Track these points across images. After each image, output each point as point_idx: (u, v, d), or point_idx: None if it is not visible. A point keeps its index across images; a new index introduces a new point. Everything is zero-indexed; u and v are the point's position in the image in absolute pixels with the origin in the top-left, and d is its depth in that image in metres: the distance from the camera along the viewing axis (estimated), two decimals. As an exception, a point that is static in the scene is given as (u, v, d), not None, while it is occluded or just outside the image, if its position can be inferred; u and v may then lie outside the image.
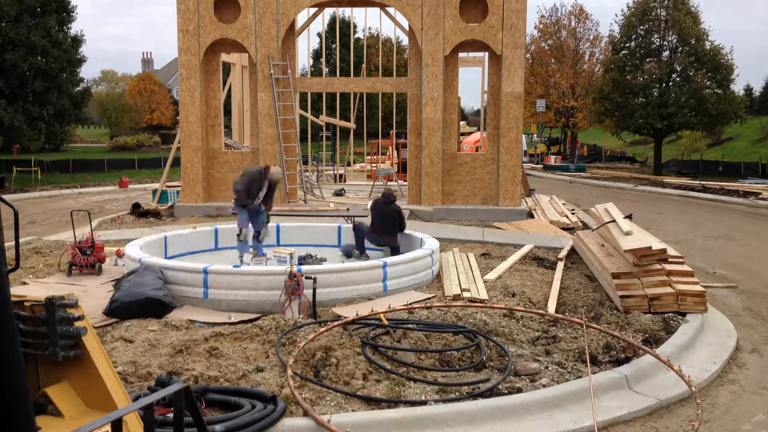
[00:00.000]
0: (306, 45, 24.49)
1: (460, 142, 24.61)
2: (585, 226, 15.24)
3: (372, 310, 6.94)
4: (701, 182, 29.29)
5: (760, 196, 23.74)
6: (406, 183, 18.51)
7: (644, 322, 7.42)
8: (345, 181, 24.35)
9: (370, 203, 11.79)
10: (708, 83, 34.25)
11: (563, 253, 11.16)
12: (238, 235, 10.17)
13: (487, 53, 17.77)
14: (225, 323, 7.17)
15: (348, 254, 10.80)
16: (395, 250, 10.34)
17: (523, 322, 7.30)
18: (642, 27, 35.89)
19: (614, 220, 10.11)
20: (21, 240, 11.87)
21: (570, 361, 6.30)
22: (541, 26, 51.69)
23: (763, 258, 13.03)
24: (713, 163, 36.94)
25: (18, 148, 36.61)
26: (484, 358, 6.13)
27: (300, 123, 19.86)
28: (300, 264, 9.02)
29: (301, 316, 7.31)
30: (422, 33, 16.58)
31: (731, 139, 46.59)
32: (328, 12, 32.96)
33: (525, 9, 16.42)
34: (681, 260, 8.65)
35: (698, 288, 8.10)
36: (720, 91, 34.11)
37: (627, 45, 36.97)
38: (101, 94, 60.70)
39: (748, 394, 6.11)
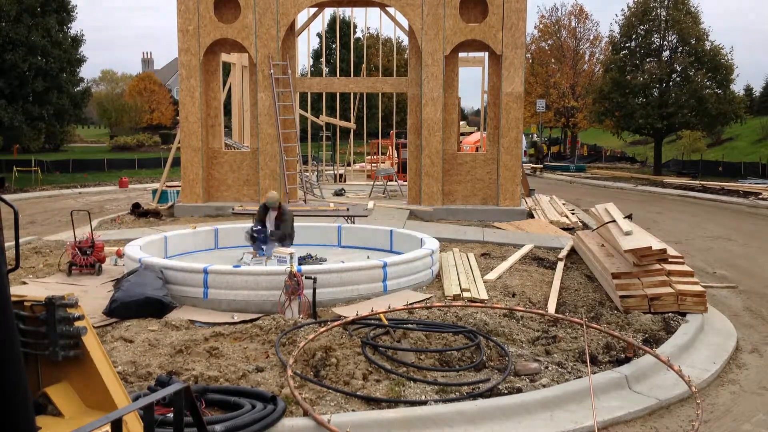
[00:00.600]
0: (306, 45, 24.52)
1: (460, 142, 24.60)
2: (585, 226, 15.24)
3: (372, 310, 6.94)
4: (701, 182, 29.28)
5: (760, 196, 23.73)
6: (406, 183, 18.51)
7: (644, 322, 7.42)
8: (345, 181, 24.35)
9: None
10: (708, 83, 34.24)
11: (563, 253, 11.16)
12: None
13: (487, 53, 17.77)
14: (225, 323, 7.17)
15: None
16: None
17: (523, 322, 7.29)
18: (642, 27, 35.88)
19: (614, 220, 10.11)
20: (21, 240, 11.87)
21: (570, 361, 6.30)
22: (541, 26, 51.71)
23: (763, 258, 13.02)
24: (713, 163, 36.92)
25: (18, 148, 36.63)
26: (484, 358, 6.13)
27: (300, 123, 19.86)
28: (300, 264, 9.02)
29: (301, 316, 7.31)
30: (422, 33, 16.58)
31: (731, 139, 46.58)
32: (328, 12, 33.01)
33: (525, 9, 16.42)
34: (681, 260, 8.65)
35: (698, 288, 8.09)
36: (720, 91, 34.10)
37: (627, 45, 36.96)
38: (101, 94, 60.68)
39: (748, 394, 6.11)
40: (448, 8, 16.49)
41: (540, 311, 7.54)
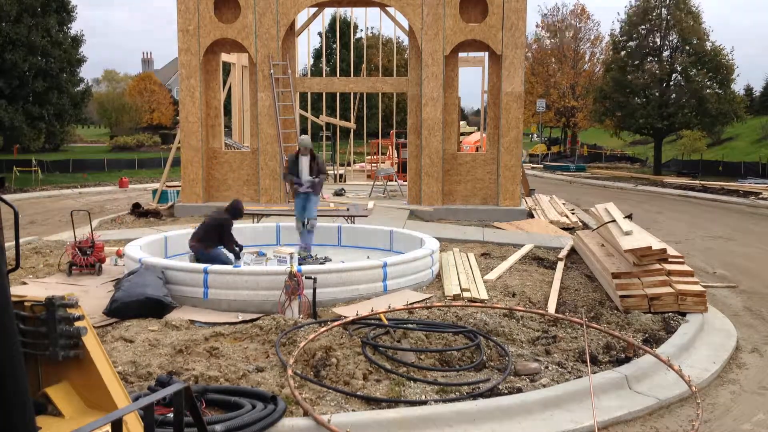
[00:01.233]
0: (306, 45, 24.50)
1: (460, 142, 24.61)
2: (585, 226, 15.24)
3: (372, 310, 6.94)
4: (701, 182, 29.28)
5: (760, 196, 23.74)
6: (406, 183, 18.51)
7: (644, 322, 7.42)
8: (345, 181, 24.34)
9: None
10: (708, 83, 34.24)
11: (563, 253, 11.16)
12: (299, 228, 10.74)
13: (487, 53, 17.77)
14: (226, 323, 7.17)
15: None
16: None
17: (523, 322, 7.29)
18: (643, 27, 35.88)
19: (614, 220, 10.11)
20: (21, 240, 11.87)
21: (570, 361, 6.30)
22: (542, 26, 51.72)
23: (763, 258, 13.02)
24: (713, 163, 36.91)
25: (18, 148, 36.59)
26: (484, 358, 6.13)
27: (300, 123, 19.85)
28: (300, 264, 9.01)
29: (301, 316, 7.31)
30: (422, 33, 16.58)
31: (731, 139, 46.56)
32: (329, 12, 32.97)
33: (525, 9, 16.42)
34: (681, 260, 8.65)
35: (698, 288, 8.09)
36: (720, 91, 34.11)
37: (628, 45, 36.96)
38: (101, 94, 60.67)
39: (748, 394, 6.11)
40: (448, 8, 16.49)
41: (540, 311, 7.54)
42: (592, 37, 50.50)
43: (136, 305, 7.24)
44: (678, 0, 34.81)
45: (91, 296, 8.15)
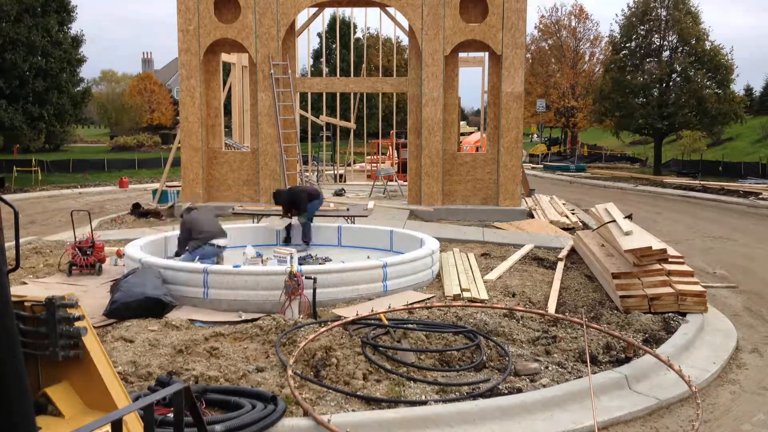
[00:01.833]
0: (306, 45, 24.49)
1: (460, 142, 24.61)
2: (585, 226, 15.24)
3: (372, 310, 6.94)
4: (701, 182, 29.28)
5: (761, 196, 23.74)
6: (406, 183, 18.51)
7: (644, 322, 7.42)
8: (345, 181, 24.34)
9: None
10: (708, 83, 34.25)
11: (563, 253, 11.16)
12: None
13: (487, 53, 17.78)
14: (226, 323, 7.17)
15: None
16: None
17: (523, 322, 7.29)
18: (642, 27, 35.90)
19: (614, 220, 10.11)
20: (21, 240, 11.87)
21: (570, 361, 6.30)
22: (541, 26, 51.74)
23: (763, 258, 13.02)
24: (713, 163, 36.92)
25: (18, 148, 36.60)
26: (484, 358, 6.13)
27: (300, 123, 19.86)
28: (300, 264, 9.02)
29: (301, 316, 7.31)
30: (422, 33, 16.58)
31: (731, 139, 46.58)
32: (328, 12, 33.00)
33: (525, 9, 16.42)
34: (681, 260, 8.65)
35: (698, 288, 8.09)
36: (720, 91, 34.12)
37: (627, 45, 36.98)
38: (101, 94, 60.68)
39: (748, 394, 6.11)
40: (448, 8, 16.49)
41: (540, 311, 7.54)
42: (592, 37, 50.55)
43: (136, 305, 7.24)
44: (677, 0, 34.82)
45: (91, 296, 8.15)
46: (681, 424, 5.37)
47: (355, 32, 35.58)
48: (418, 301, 7.99)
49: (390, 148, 28.09)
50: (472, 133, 35.05)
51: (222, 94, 18.29)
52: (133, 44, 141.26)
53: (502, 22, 16.41)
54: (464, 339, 6.51)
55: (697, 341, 7.24)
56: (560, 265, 10.26)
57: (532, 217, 16.46)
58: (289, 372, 5.40)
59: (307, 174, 21.28)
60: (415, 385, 5.55)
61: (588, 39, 50.64)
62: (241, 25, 16.85)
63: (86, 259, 9.40)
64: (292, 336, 6.36)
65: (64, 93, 29.40)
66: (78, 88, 31.54)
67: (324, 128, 26.49)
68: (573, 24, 50.73)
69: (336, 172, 25.21)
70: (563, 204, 19.22)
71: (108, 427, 2.03)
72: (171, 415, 4.26)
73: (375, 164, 26.28)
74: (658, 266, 8.27)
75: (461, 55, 19.09)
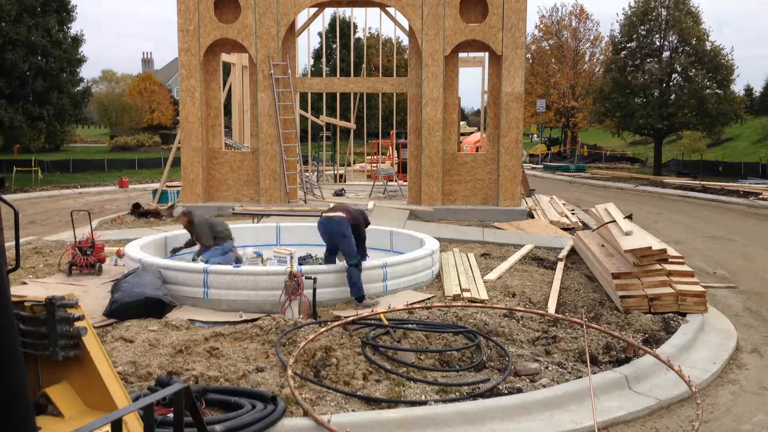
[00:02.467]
0: (306, 45, 24.51)
1: (461, 142, 24.61)
2: (585, 227, 15.24)
3: (372, 310, 6.94)
4: (701, 182, 29.28)
5: (761, 197, 23.73)
6: (406, 183, 18.51)
7: (644, 323, 7.42)
8: (345, 181, 24.35)
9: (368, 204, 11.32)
10: (708, 83, 34.25)
11: (563, 254, 11.16)
12: None
13: (487, 53, 17.77)
14: (226, 323, 7.17)
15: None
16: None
17: (523, 322, 7.29)
18: (643, 27, 35.90)
19: (614, 221, 10.11)
20: (21, 240, 11.87)
21: (570, 361, 6.30)
22: (541, 26, 51.74)
23: (763, 258, 13.02)
24: (713, 163, 36.93)
25: (18, 148, 36.63)
26: (484, 358, 6.13)
27: (300, 123, 19.86)
28: (300, 264, 9.02)
29: (301, 316, 7.31)
30: (422, 33, 16.58)
31: (731, 140, 46.59)
32: (329, 12, 32.98)
33: (525, 9, 16.42)
34: (681, 260, 8.65)
35: (698, 288, 8.09)
36: (720, 92, 34.11)
37: (628, 45, 36.98)
38: (101, 94, 60.69)
39: (748, 394, 6.11)
40: (449, 8, 16.49)
41: (540, 311, 7.54)
42: (592, 37, 50.56)
43: (136, 305, 7.24)
44: (677, 0, 34.82)
45: (91, 296, 8.15)
46: (681, 424, 5.37)
47: (355, 32, 35.60)
48: (418, 301, 7.99)
49: (390, 148, 28.09)
50: (472, 133, 35.06)
51: (222, 94, 18.29)
52: (133, 44, 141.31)
53: (502, 22, 16.41)
54: (464, 339, 6.51)
55: (697, 341, 7.24)
56: (560, 266, 10.26)
57: (532, 217, 16.46)
58: (289, 372, 5.40)
59: (307, 174, 21.28)
60: (415, 385, 5.55)
61: (588, 39, 50.67)
62: (241, 25, 16.85)
63: (86, 259, 9.40)
64: (292, 336, 6.36)
65: (64, 93, 29.41)
66: (78, 88, 31.55)
67: (324, 128, 26.50)
68: (573, 24, 50.76)
69: (336, 172, 25.22)
70: (563, 204, 19.22)
71: (108, 427, 2.03)
72: (171, 415, 4.26)
73: (375, 164, 26.28)
74: (658, 266, 8.27)
75: (461, 55, 19.09)
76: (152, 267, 8.08)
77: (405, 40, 29.01)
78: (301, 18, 19.20)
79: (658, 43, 35.92)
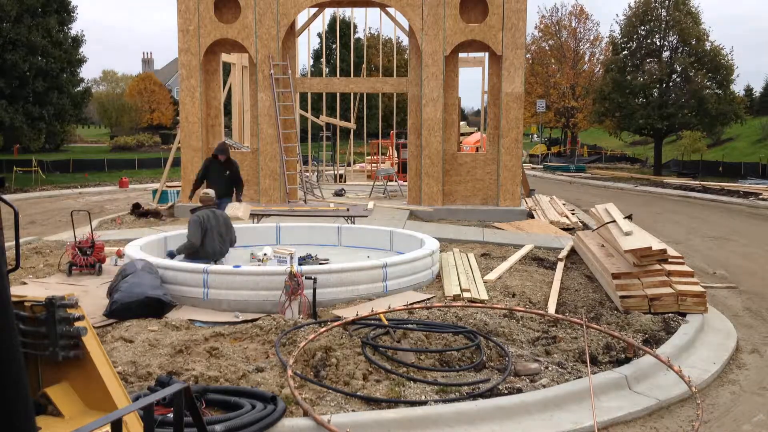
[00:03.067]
0: (306, 45, 24.51)
1: (461, 142, 24.61)
2: (585, 227, 15.24)
3: (372, 311, 6.94)
4: (701, 183, 29.28)
5: (761, 197, 23.74)
6: (406, 183, 18.51)
7: (644, 323, 7.42)
8: (345, 182, 24.35)
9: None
10: (708, 84, 34.26)
11: (563, 254, 11.16)
12: None
13: (487, 53, 17.78)
14: (226, 323, 7.17)
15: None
16: None
17: (523, 322, 7.29)
18: (643, 27, 35.90)
19: (614, 221, 10.12)
20: (21, 240, 11.87)
21: (570, 361, 6.30)
22: (541, 26, 51.75)
23: (763, 258, 13.02)
24: (713, 163, 36.93)
25: (18, 148, 36.63)
26: (484, 358, 6.13)
27: (300, 123, 19.86)
28: (300, 264, 9.02)
29: (301, 317, 7.31)
30: (422, 33, 16.59)
31: (731, 140, 46.61)
32: (329, 12, 33.00)
33: (525, 9, 16.43)
34: (681, 260, 8.65)
35: (698, 288, 8.09)
36: (720, 92, 34.12)
37: (627, 45, 36.98)
38: (101, 94, 60.71)
39: (748, 394, 6.11)
40: (449, 8, 16.49)
41: (540, 311, 7.54)
42: (592, 38, 50.58)
43: (137, 305, 7.24)
44: (677, 1, 34.82)
45: (91, 296, 8.15)
46: (681, 424, 5.38)
47: (355, 32, 35.61)
48: (418, 302, 7.99)
49: (390, 148, 28.09)
50: (472, 133, 35.05)
51: (222, 94, 18.29)
52: (133, 44, 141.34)
53: (502, 22, 16.41)
54: (464, 339, 6.51)
55: (697, 342, 7.24)
56: (560, 266, 10.27)
57: (532, 217, 16.46)
58: (289, 372, 5.40)
59: (307, 174, 21.28)
60: (415, 385, 5.55)
61: (588, 39, 50.69)
62: (241, 25, 16.85)
63: (86, 259, 9.40)
64: (292, 336, 6.36)
65: (64, 93, 29.42)
66: (78, 88, 31.57)
67: (324, 128, 26.50)
68: (573, 24, 50.77)
69: (336, 172, 25.22)
70: (563, 204, 19.22)
71: (108, 427, 2.03)
72: (171, 415, 4.26)
73: (375, 164, 26.28)
74: (658, 266, 8.27)
75: (461, 55, 19.09)
76: (150, 267, 8.06)
77: (405, 40, 29.00)
78: (301, 18, 19.23)
79: (658, 44, 35.93)
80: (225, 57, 19.17)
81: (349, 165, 28.84)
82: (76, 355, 2.82)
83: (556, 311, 7.80)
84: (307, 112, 23.71)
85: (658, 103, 34.31)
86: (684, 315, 7.78)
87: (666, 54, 35.78)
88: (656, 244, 8.63)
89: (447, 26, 16.52)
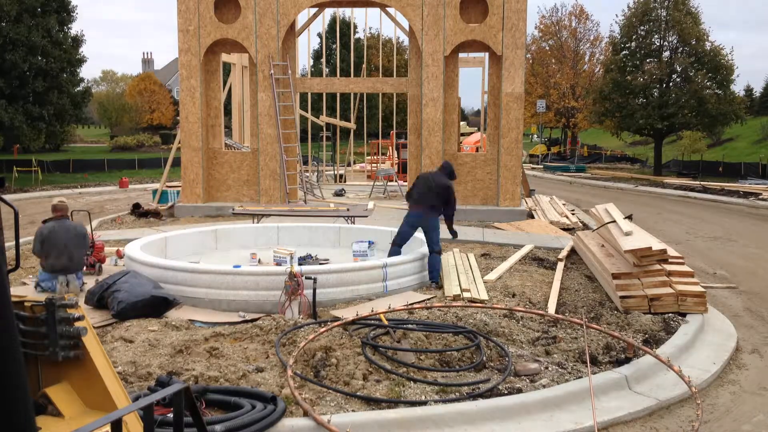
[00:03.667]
0: (306, 45, 24.51)
1: (461, 142, 24.61)
2: (585, 227, 15.23)
3: (372, 311, 6.94)
4: (701, 183, 29.27)
5: (761, 197, 23.73)
6: (406, 183, 18.50)
7: (644, 323, 7.42)
8: (345, 182, 24.35)
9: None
10: (708, 84, 34.24)
11: (563, 254, 11.16)
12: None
13: (487, 53, 17.78)
14: (226, 323, 7.17)
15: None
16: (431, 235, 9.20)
17: (523, 322, 7.29)
18: (642, 27, 35.89)
19: (614, 221, 10.11)
20: (21, 240, 11.86)
21: (570, 361, 6.30)
22: (541, 26, 51.75)
23: (763, 258, 13.02)
24: (713, 163, 36.91)
25: (18, 148, 36.62)
26: (484, 358, 6.13)
27: (300, 123, 19.86)
28: (300, 264, 9.02)
29: (301, 317, 7.31)
30: (422, 33, 16.59)
31: (731, 140, 46.60)
32: (329, 12, 33.00)
33: (525, 9, 16.43)
34: (681, 261, 8.64)
35: (698, 288, 8.09)
36: (720, 92, 34.10)
37: (627, 45, 36.97)
38: (101, 94, 60.71)
39: (748, 394, 6.11)
40: (449, 8, 16.49)
41: (540, 312, 7.54)
42: (592, 38, 50.57)
43: (142, 304, 7.25)
44: (677, 1, 34.81)
45: (91, 296, 8.14)
46: (681, 424, 5.37)
47: (355, 32, 35.60)
48: (418, 302, 7.99)
49: (390, 148, 28.10)
50: (472, 133, 35.07)
51: (222, 94, 18.29)
52: (133, 44, 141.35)
53: (502, 22, 16.41)
54: (464, 339, 6.51)
55: (697, 342, 7.24)
56: (560, 266, 10.26)
57: (532, 217, 16.46)
58: (289, 372, 5.40)
59: (307, 174, 21.28)
60: (415, 385, 5.55)
61: (588, 39, 50.68)
62: (241, 25, 16.85)
63: (86, 259, 9.39)
64: (292, 336, 6.36)
65: (64, 93, 29.43)
66: (78, 88, 31.58)
67: (324, 128, 26.50)
68: (573, 24, 50.77)
69: (336, 172, 25.22)
70: (563, 204, 19.22)
71: (108, 427, 2.03)
72: (171, 415, 4.26)
73: (375, 164, 26.28)
74: (658, 267, 8.27)
75: (461, 55, 19.09)
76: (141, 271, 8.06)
77: (405, 41, 28.99)
78: (301, 18, 19.22)
79: (657, 44, 35.92)
80: (225, 57, 19.17)
81: (349, 165, 28.84)
82: (76, 355, 2.82)
83: (556, 311, 7.80)
84: (307, 112, 23.71)
85: (658, 103, 34.30)
86: (684, 315, 7.78)
87: (666, 54, 35.76)
88: (656, 244, 8.63)
89: (447, 26, 16.52)
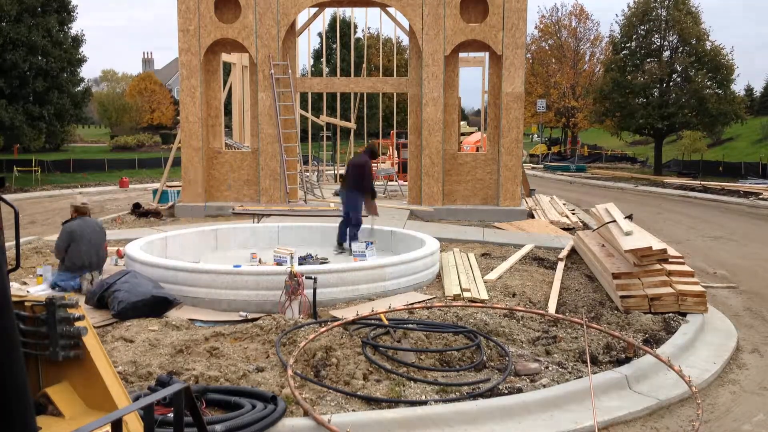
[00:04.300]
0: (306, 45, 24.50)
1: (461, 142, 24.61)
2: (585, 227, 15.24)
3: (372, 310, 6.94)
4: (702, 182, 29.27)
5: (761, 197, 23.73)
6: (406, 183, 18.51)
7: (644, 323, 7.42)
8: (345, 181, 24.28)
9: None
10: (708, 83, 34.24)
11: (563, 253, 11.16)
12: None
13: (487, 53, 17.78)
14: (226, 322, 7.17)
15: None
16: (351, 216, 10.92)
17: (523, 322, 7.29)
18: (642, 27, 35.89)
19: (614, 221, 10.11)
20: (21, 240, 11.87)
21: (570, 361, 6.30)
22: (541, 26, 51.76)
23: (763, 258, 13.02)
24: (714, 163, 36.91)
25: (18, 147, 36.62)
26: (485, 358, 6.13)
27: (300, 123, 19.86)
28: (300, 264, 9.02)
29: (301, 316, 7.31)
30: (423, 33, 16.59)
31: (732, 140, 46.58)
32: (329, 12, 32.96)
33: (525, 9, 16.43)
34: (681, 260, 8.64)
35: (699, 288, 8.09)
36: (720, 92, 34.10)
37: (627, 45, 36.97)
38: (101, 94, 60.70)
39: (749, 394, 6.11)
40: (449, 8, 16.49)
41: (540, 311, 7.54)
42: (592, 37, 50.58)
43: (142, 304, 7.25)
44: (677, 0, 34.81)
45: (91, 296, 8.13)
46: (681, 424, 5.37)
47: (355, 32, 35.61)
48: (419, 301, 7.99)
49: (390, 148, 28.09)
50: (472, 133, 35.04)
51: (222, 94, 18.29)
52: (133, 44, 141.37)
53: (502, 22, 16.41)
54: (464, 339, 6.51)
55: (697, 341, 7.24)
56: (560, 265, 10.26)
57: (533, 217, 16.46)
58: (289, 372, 5.40)
59: (307, 174, 21.28)
60: (415, 385, 5.55)
61: (588, 39, 50.70)
62: (241, 25, 16.85)
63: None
64: (293, 336, 6.36)
65: (64, 93, 29.42)
66: (78, 88, 31.56)
67: (324, 128, 26.49)
68: (573, 24, 50.78)
69: (336, 172, 25.21)
70: (563, 204, 19.22)
71: (108, 427, 2.03)
72: (171, 415, 4.26)
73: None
74: (658, 266, 8.27)
75: (461, 55, 19.08)
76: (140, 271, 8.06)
77: (405, 40, 28.98)
78: (302, 18, 19.21)
79: (658, 43, 35.91)
80: (225, 57, 19.17)
81: (349, 165, 28.74)
82: (76, 355, 2.82)
83: (557, 311, 7.80)
84: (307, 111, 23.71)
85: (658, 102, 34.30)
86: (684, 315, 7.78)
87: (666, 54, 35.76)
88: (656, 244, 8.63)
89: (447, 26, 16.52)
